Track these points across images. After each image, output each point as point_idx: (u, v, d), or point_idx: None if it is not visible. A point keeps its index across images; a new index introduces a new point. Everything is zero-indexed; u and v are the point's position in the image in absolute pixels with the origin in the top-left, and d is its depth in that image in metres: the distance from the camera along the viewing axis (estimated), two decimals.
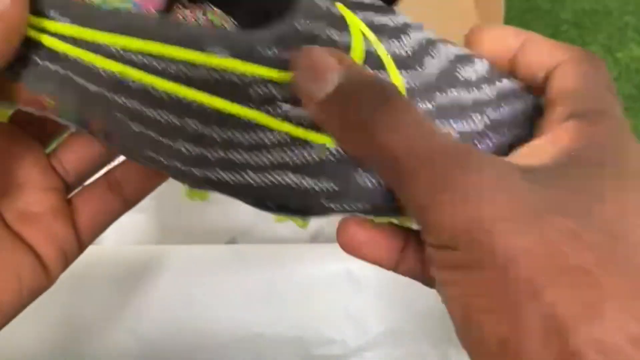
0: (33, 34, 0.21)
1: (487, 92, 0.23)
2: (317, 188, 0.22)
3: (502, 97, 0.23)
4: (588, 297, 0.16)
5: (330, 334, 0.41)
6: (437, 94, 0.22)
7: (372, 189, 0.22)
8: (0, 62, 0.21)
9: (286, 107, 0.21)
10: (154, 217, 0.49)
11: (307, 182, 0.22)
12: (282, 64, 0.21)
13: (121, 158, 0.29)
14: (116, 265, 0.42)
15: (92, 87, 0.22)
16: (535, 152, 0.20)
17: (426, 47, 0.23)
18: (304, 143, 0.21)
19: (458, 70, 0.23)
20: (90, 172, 0.29)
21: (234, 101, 0.21)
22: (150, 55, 0.21)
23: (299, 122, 0.21)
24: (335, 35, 0.21)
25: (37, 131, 0.28)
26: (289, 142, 0.21)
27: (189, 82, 0.21)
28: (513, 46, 0.23)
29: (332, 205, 0.22)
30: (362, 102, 0.19)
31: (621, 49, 0.96)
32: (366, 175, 0.22)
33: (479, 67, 0.24)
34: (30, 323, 0.40)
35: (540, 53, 0.23)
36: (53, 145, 0.29)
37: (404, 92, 0.22)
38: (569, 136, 0.19)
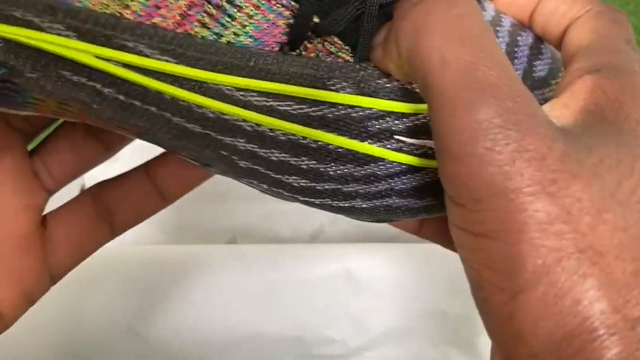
0: (123, 73, 0.18)
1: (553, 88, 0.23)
2: (417, 205, 0.22)
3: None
4: (595, 282, 0.15)
5: (330, 334, 0.41)
6: None
7: None
8: None
9: (401, 137, 0.21)
10: (154, 217, 0.49)
11: (410, 202, 0.22)
12: (400, 95, 0.21)
13: (111, 172, 0.25)
14: (116, 265, 0.42)
15: (192, 127, 0.20)
16: (559, 112, 0.18)
17: (512, 46, 0.23)
18: (413, 170, 0.21)
19: (534, 68, 0.23)
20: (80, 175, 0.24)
21: (352, 137, 0.21)
22: (271, 95, 0.20)
23: (411, 152, 0.21)
24: None
25: (18, 120, 0.21)
26: (399, 171, 0.21)
27: (308, 121, 0.20)
28: (531, 1, 0.22)
29: (425, 216, 0.23)
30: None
31: None
32: None
33: (545, 58, 0.23)
34: (30, 323, 0.40)
35: (558, 8, 0.21)
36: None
37: None
38: (585, 94, 0.18)
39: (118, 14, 0.18)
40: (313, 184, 0.21)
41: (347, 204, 0.22)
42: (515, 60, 0.22)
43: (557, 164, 0.16)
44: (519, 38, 0.23)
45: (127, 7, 0.18)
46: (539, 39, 0.23)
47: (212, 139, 0.20)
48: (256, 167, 0.21)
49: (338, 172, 0.21)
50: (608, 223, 0.16)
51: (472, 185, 0.16)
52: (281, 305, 0.41)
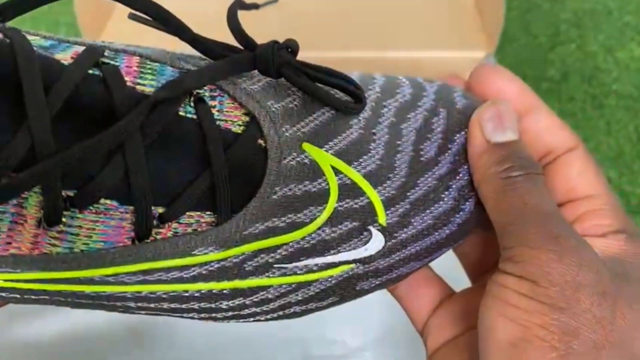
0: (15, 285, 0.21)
1: (448, 160, 0.24)
2: (321, 306, 0.24)
3: (463, 161, 0.24)
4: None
5: (330, 334, 0.41)
6: (410, 192, 0.23)
7: (367, 290, 0.25)
8: None
9: (284, 265, 0.22)
10: None
11: (312, 306, 0.24)
12: (265, 234, 0.22)
13: None
14: None
15: (86, 302, 0.23)
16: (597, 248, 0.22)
17: (392, 142, 0.23)
18: (305, 284, 0.23)
19: (421, 151, 0.24)
20: None
21: (232, 280, 0.22)
22: (139, 272, 0.21)
23: (294, 273, 0.23)
24: (310, 186, 0.22)
25: None
26: (291, 290, 0.23)
27: (182, 282, 0.22)
28: (518, 109, 0.25)
29: (333, 306, 0.25)
30: (523, 164, 0.23)
31: (621, 49, 0.96)
32: (362, 285, 0.24)
33: (436, 138, 0.24)
34: (29, 322, 0.40)
35: (546, 130, 0.25)
36: None
37: (381, 208, 0.23)
38: (619, 247, 0.23)
39: None
40: (213, 315, 0.23)
41: (251, 320, 0.24)
42: (398, 155, 0.23)
43: (607, 275, 0.21)
44: (402, 127, 0.24)
45: None
46: (429, 117, 0.24)
47: (105, 305, 0.23)
48: (153, 312, 0.23)
49: (230, 304, 0.23)
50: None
51: (547, 273, 0.20)
52: None
